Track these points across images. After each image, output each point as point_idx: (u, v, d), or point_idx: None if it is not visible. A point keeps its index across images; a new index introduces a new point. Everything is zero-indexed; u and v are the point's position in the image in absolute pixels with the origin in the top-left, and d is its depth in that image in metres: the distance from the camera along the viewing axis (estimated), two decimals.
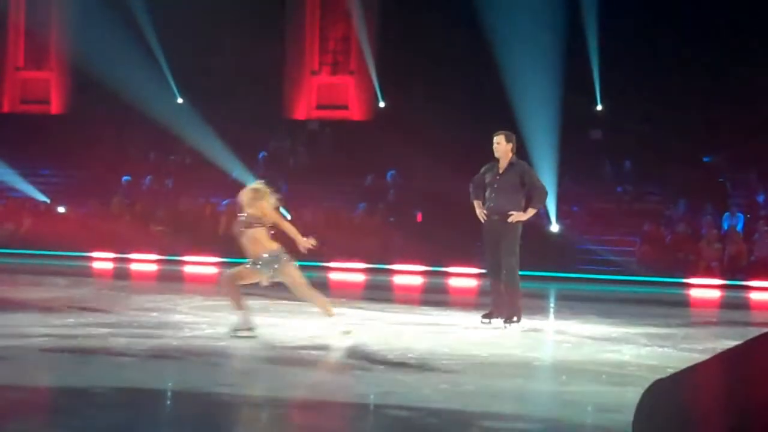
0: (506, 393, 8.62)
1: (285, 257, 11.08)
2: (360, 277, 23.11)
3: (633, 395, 7.69)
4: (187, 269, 23.29)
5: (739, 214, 25.49)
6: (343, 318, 11.53)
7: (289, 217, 26.51)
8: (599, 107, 28.96)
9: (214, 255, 23.50)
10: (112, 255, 25.38)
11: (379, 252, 25.02)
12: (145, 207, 27.83)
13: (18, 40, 33.56)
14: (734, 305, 19.70)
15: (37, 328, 11.37)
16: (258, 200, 11.15)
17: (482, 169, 13.20)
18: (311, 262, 23.68)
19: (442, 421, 7.50)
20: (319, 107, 32.01)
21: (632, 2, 28.12)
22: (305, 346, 10.78)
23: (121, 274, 22.23)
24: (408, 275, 23.54)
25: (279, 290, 15.18)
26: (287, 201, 27.27)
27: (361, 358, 10.01)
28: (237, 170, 27.43)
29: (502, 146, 12.97)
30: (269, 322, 12.52)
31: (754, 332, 5.47)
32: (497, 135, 13.05)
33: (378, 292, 19.29)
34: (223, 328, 11.63)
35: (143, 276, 22.23)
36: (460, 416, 7.68)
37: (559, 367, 10.32)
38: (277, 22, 31.40)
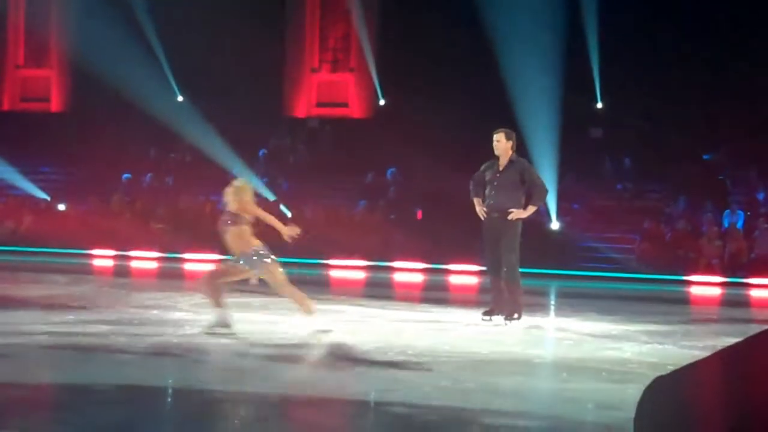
0: (507, 390, 8.62)
1: (267, 254, 11.06)
2: (360, 275, 23.10)
3: (634, 392, 7.70)
4: (188, 267, 23.30)
5: (740, 212, 25.49)
6: (323, 317, 11.43)
7: (289, 214, 26.58)
8: (599, 105, 28.94)
9: (214, 252, 23.49)
10: (112, 252, 25.39)
11: (380, 249, 25.01)
12: (146, 204, 27.84)
13: (18, 37, 33.56)
14: (734, 302, 19.70)
15: (37, 326, 11.38)
16: (240, 197, 11.13)
17: (482, 167, 13.20)
18: (312, 259, 23.91)
19: (443, 419, 7.51)
20: (320, 105, 32.00)
21: None
22: (306, 343, 10.79)
23: (121, 272, 22.23)
24: (408, 272, 23.54)
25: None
26: (288, 198, 27.41)
27: (361, 356, 10.01)
28: (237, 168, 27.44)
29: (502, 144, 12.98)
30: (269, 319, 12.53)
31: (755, 329, 5.47)
32: (497, 133, 13.05)
33: (378, 290, 19.29)
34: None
35: (143, 273, 22.23)
36: (461, 413, 7.69)
37: (560, 364, 10.32)
38: (277, 20, 31.37)
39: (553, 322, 14.50)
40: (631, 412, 5.13)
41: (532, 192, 13.00)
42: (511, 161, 12.98)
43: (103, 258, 25.04)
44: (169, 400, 8.20)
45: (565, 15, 26.42)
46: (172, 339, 10.70)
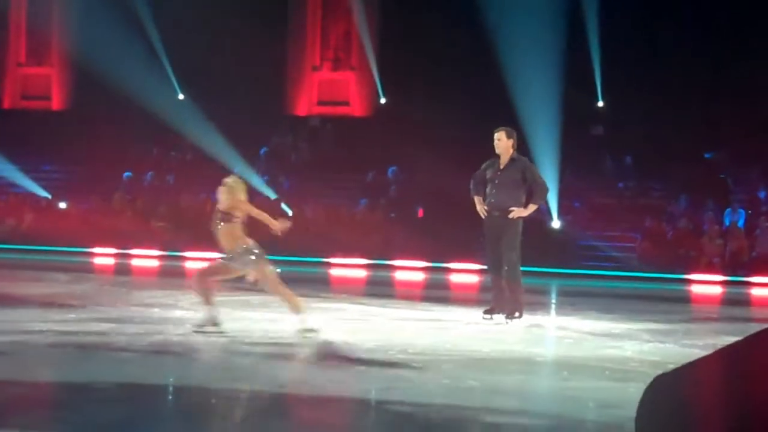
0: (508, 389, 8.61)
1: (259, 252, 11.03)
2: (361, 273, 23.10)
3: (635, 391, 7.70)
4: (188, 265, 23.29)
5: (741, 210, 25.48)
6: (312, 316, 11.36)
7: (290, 213, 26.56)
8: (600, 103, 28.94)
9: (215, 251, 23.48)
10: (113, 251, 25.39)
11: (381, 248, 25.01)
12: (147, 203, 27.84)
13: (19, 36, 33.56)
14: (735, 301, 19.69)
15: (38, 324, 11.39)
16: (234, 195, 11.12)
17: (483, 165, 13.20)
18: (312, 257, 23.91)
19: (444, 417, 7.50)
20: (321, 103, 32.00)
21: None
22: (306, 342, 10.77)
23: (122, 270, 22.23)
24: (409, 271, 23.54)
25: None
26: (289, 197, 27.40)
27: (362, 354, 10.01)
28: (238, 166, 27.44)
29: (503, 142, 12.97)
30: (270, 317, 12.52)
31: (755, 328, 5.47)
32: (498, 131, 13.05)
33: (379, 288, 19.28)
34: (227, 324, 11.65)
35: (144, 272, 22.23)
36: (462, 412, 7.68)
37: (561, 362, 10.32)
38: (278, 19, 31.35)
39: (554, 320, 14.50)
40: (632, 411, 5.13)
41: (533, 190, 12.99)
42: (512, 159, 12.98)
43: (104, 256, 25.04)
44: (170, 398, 8.19)
45: (566, 13, 26.41)
46: (172, 337, 10.70)
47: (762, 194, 26.29)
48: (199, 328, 10.96)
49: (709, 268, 23.65)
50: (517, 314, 12.75)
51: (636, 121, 27.29)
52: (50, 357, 9.74)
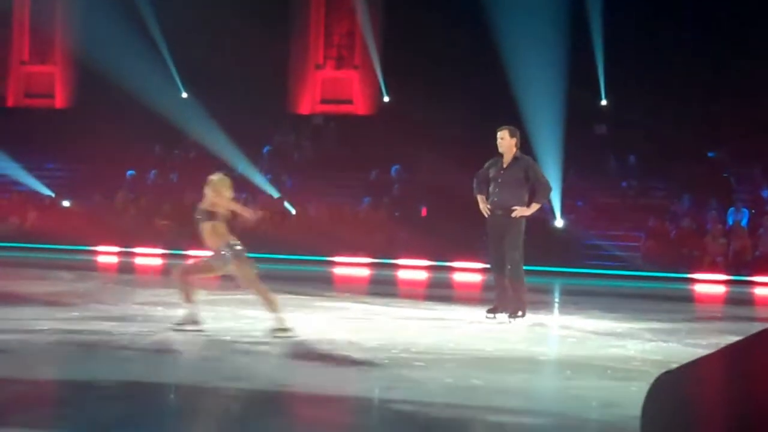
0: (511, 388, 8.61)
1: (240, 249, 10.99)
2: (364, 272, 23.10)
3: (637, 390, 7.70)
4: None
5: (744, 210, 25.46)
6: (287, 317, 11.27)
7: (293, 211, 26.59)
8: (604, 102, 28.93)
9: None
10: (116, 249, 25.41)
11: (384, 247, 25.01)
12: (150, 201, 27.85)
13: (23, 34, 33.60)
14: (739, 300, 19.68)
15: (41, 322, 11.39)
16: (220, 191, 11.09)
17: (486, 164, 13.20)
18: (316, 256, 23.92)
19: (447, 416, 7.50)
20: (324, 101, 32.01)
21: None
22: (309, 340, 10.78)
23: (125, 268, 22.24)
24: (413, 270, 23.53)
25: (285, 285, 15.21)
26: (292, 195, 27.42)
27: (365, 353, 10.00)
28: (242, 165, 27.46)
29: (506, 141, 12.97)
30: (272, 315, 12.50)
31: (758, 327, 5.46)
32: (501, 130, 13.04)
33: (382, 287, 19.28)
34: (229, 323, 11.67)
35: (148, 270, 22.24)
36: (465, 411, 7.68)
37: (564, 362, 10.31)
38: (281, 17, 31.36)
39: (557, 319, 14.49)
40: (635, 410, 5.12)
41: (537, 189, 12.99)
42: (515, 158, 12.98)
43: (107, 254, 25.06)
44: (172, 396, 8.19)
45: (570, 12, 26.40)
46: (175, 336, 10.70)
47: (765, 193, 26.28)
48: (179, 327, 10.94)
49: (713, 268, 23.64)
50: (520, 313, 12.75)
51: (639, 120, 27.25)
52: (53, 355, 9.75)
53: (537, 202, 12.99)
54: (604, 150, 28.09)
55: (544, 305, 15.55)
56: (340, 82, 31.99)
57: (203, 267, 11.21)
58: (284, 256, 23.26)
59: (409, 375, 8.97)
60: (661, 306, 16.86)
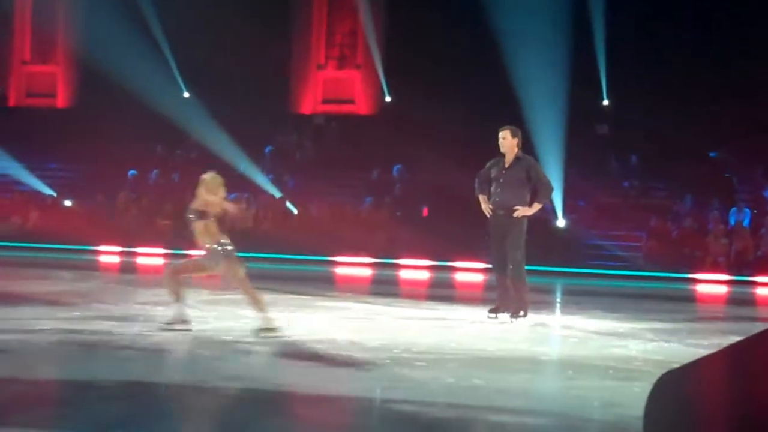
0: (513, 388, 8.60)
1: (231, 249, 10.97)
2: (366, 272, 23.10)
3: (639, 390, 7.69)
4: None
5: (746, 210, 25.46)
6: (274, 317, 11.23)
7: (295, 211, 26.58)
8: (605, 102, 28.93)
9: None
10: (118, 249, 25.41)
11: (386, 246, 25.02)
12: (152, 201, 27.86)
13: (24, 34, 33.62)
14: (740, 301, 19.67)
15: (43, 322, 11.39)
16: (210, 191, 11.08)
17: (488, 164, 13.20)
18: (317, 256, 23.91)
19: (448, 416, 7.49)
20: (326, 101, 32.01)
21: None
22: (312, 340, 10.77)
23: (127, 268, 22.24)
24: (414, 270, 23.53)
25: (286, 284, 15.22)
26: (293, 195, 27.42)
27: (367, 353, 10.00)
28: (243, 164, 27.46)
29: (507, 141, 12.97)
30: (276, 316, 12.50)
31: (760, 328, 5.45)
32: (503, 130, 13.04)
33: (384, 287, 19.28)
34: (231, 322, 11.65)
35: (150, 270, 22.23)
36: (467, 411, 7.67)
37: (566, 362, 10.30)
38: (283, 17, 31.38)
39: (558, 319, 14.48)
40: (637, 410, 5.12)
41: (538, 189, 12.99)
42: (517, 158, 12.98)
43: (109, 254, 25.06)
44: (173, 396, 8.18)
45: (572, 12, 26.41)
46: (178, 335, 10.69)
47: (767, 193, 26.26)
48: (168, 326, 10.94)
49: (714, 268, 23.64)
50: (521, 313, 12.75)
51: (641, 120, 27.25)
52: (54, 355, 9.74)
53: (539, 202, 12.99)
54: (606, 150, 28.09)
55: (546, 305, 15.54)
56: (341, 82, 32.00)
57: (194, 266, 11.21)
58: (286, 256, 23.29)
59: (411, 375, 8.96)
60: (663, 306, 16.85)
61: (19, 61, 33.60)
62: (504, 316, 12.79)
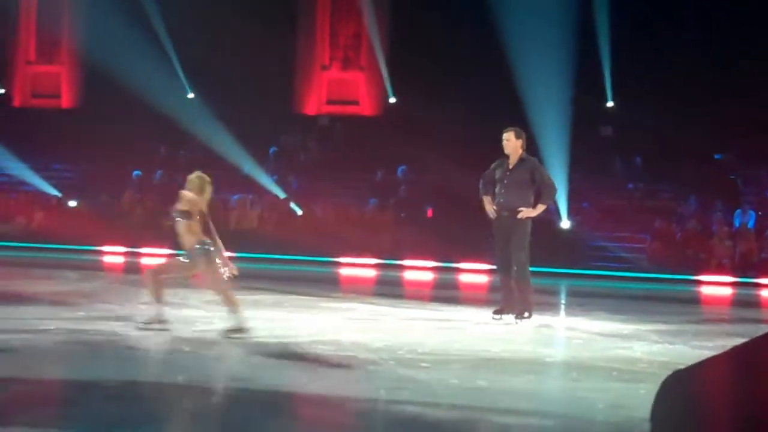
0: (517, 389, 8.60)
1: (213, 251, 10.97)
2: (371, 273, 23.10)
3: (644, 392, 7.70)
4: None
5: (751, 211, 25.43)
6: (247, 318, 11.19)
7: (300, 212, 26.59)
8: (610, 104, 28.91)
9: (225, 250, 23.48)
10: (122, 249, 25.42)
11: (390, 248, 25.02)
12: (156, 201, 27.85)
13: (29, 34, 33.63)
14: (745, 302, 19.66)
15: (47, 322, 11.40)
16: (196, 191, 11.09)
17: (492, 165, 13.21)
18: (322, 257, 23.91)
19: (453, 417, 7.49)
20: (330, 102, 32.01)
21: None
22: (316, 341, 10.77)
23: (131, 268, 22.24)
24: (419, 271, 23.52)
25: (291, 285, 15.21)
26: (298, 196, 27.42)
27: (371, 354, 10.00)
28: (248, 165, 27.47)
29: (511, 142, 12.97)
30: (281, 316, 12.52)
31: (765, 329, 5.45)
32: (507, 131, 13.05)
33: (389, 288, 19.27)
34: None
35: None
36: (471, 412, 7.67)
37: (571, 363, 10.30)
38: (287, 18, 31.38)
39: (563, 321, 14.48)
40: (642, 411, 5.12)
41: (542, 191, 12.99)
42: (521, 160, 12.98)
43: (113, 255, 25.07)
44: (177, 396, 8.18)
45: (577, 14, 26.39)
46: (182, 336, 10.70)
47: None
48: (146, 326, 10.95)
49: (719, 270, 23.62)
50: (526, 314, 12.75)
51: (645, 121, 27.22)
52: (58, 355, 9.75)
53: (543, 204, 12.99)
54: (610, 152, 28.07)
55: (551, 307, 15.53)
56: (346, 83, 32.00)
57: (174, 266, 11.23)
58: (290, 257, 23.30)
59: (415, 376, 8.96)
60: (668, 308, 16.84)
61: (24, 62, 33.62)
62: (508, 318, 12.79)
